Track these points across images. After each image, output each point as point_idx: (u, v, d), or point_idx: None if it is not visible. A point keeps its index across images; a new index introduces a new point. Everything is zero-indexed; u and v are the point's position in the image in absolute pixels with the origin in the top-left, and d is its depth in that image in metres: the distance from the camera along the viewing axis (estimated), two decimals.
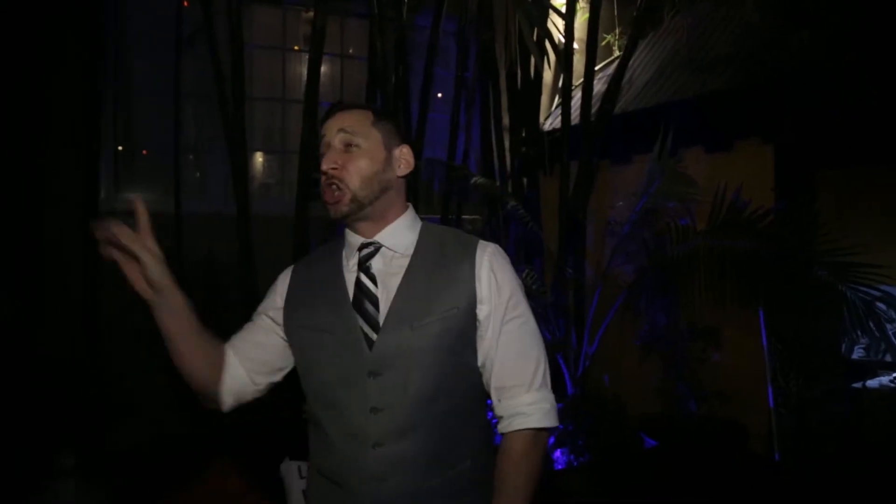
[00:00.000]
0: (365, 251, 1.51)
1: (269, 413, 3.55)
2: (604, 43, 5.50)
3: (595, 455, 3.84)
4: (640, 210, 3.97)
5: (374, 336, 1.44)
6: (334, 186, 1.46)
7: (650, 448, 4.10)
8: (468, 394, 1.52)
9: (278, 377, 1.63)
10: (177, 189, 4.27)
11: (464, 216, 5.08)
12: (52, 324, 3.83)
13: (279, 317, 1.58)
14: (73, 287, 3.88)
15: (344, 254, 1.56)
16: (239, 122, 4.00)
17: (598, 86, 4.82)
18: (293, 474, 2.85)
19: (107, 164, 4.27)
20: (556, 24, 4.57)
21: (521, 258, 4.49)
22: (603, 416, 4.01)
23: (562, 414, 3.95)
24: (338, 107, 1.54)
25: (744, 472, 3.79)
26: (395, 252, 1.51)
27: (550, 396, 1.51)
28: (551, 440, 3.88)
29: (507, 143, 4.92)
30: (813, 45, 3.67)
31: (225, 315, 4.01)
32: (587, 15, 4.48)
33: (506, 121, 4.96)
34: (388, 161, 1.51)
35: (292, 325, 1.55)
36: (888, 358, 4.21)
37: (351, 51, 5.36)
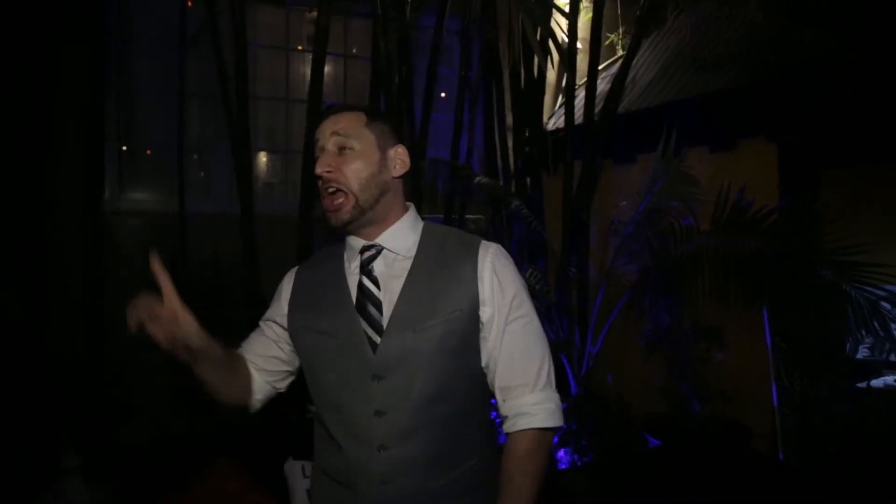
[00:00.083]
0: (367, 254, 1.52)
1: (272, 413, 3.55)
2: (607, 42, 5.49)
3: (598, 455, 3.84)
4: (643, 210, 3.96)
5: (377, 339, 1.45)
6: (334, 191, 1.46)
7: (654, 448, 4.10)
8: (471, 395, 1.52)
9: (297, 374, 1.68)
10: (181, 189, 4.27)
11: (467, 216, 5.08)
12: (54, 324, 3.83)
13: (286, 322, 1.59)
14: (75, 287, 3.89)
15: (346, 256, 1.56)
16: (243, 122, 4.00)
17: (602, 85, 4.82)
18: (296, 474, 2.85)
19: (110, 163, 4.27)
20: (559, 24, 4.57)
21: (525, 258, 4.48)
22: (606, 415, 4.01)
23: (565, 414, 3.93)
24: (330, 110, 1.54)
25: (748, 472, 3.78)
26: (397, 254, 1.51)
27: (555, 396, 1.51)
28: (555, 440, 3.88)
29: (510, 143, 4.92)
30: (817, 44, 3.67)
31: (229, 315, 4.05)
32: (590, 14, 4.47)
33: (509, 120, 4.96)
34: (383, 162, 1.50)
35: (296, 327, 1.56)
36: (893, 358, 4.20)
37: (354, 50, 5.36)
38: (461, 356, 1.47)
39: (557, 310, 4.10)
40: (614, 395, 4.21)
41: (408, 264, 1.50)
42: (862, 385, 4.02)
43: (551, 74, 5.53)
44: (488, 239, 1.59)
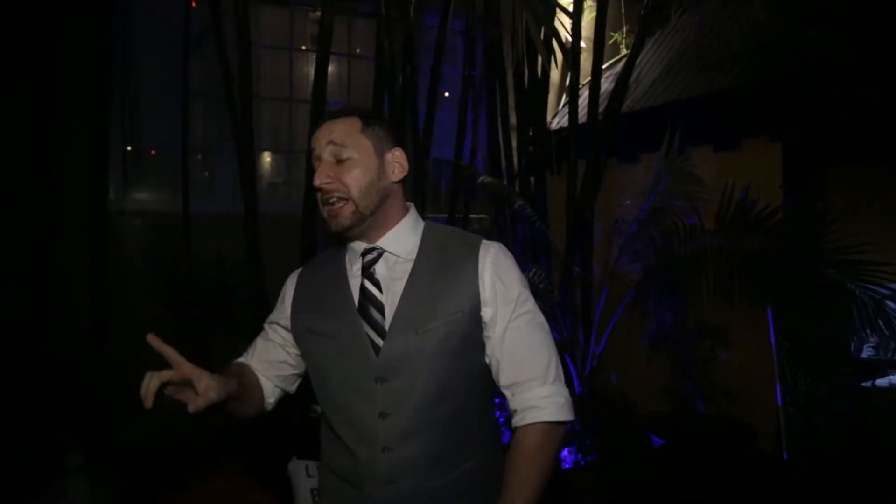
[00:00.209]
0: (368, 257, 1.52)
1: (275, 413, 3.56)
2: (611, 41, 5.49)
3: (602, 454, 3.84)
4: (647, 209, 3.96)
5: (379, 342, 1.45)
6: (333, 199, 1.45)
7: (658, 447, 4.10)
8: (473, 395, 1.52)
9: (305, 375, 1.68)
10: (185, 189, 4.29)
11: (471, 215, 5.09)
12: (58, 323, 3.84)
13: (290, 325, 1.60)
14: (79, 287, 3.90)
15: (347, 258, 1.56)
16: (247, 122, 4.01)
17: (606, 84, 4.81)
18: (300, 473, 2.86)
19: (115, 164, 4.29)
20: (563, 23, 4.57)
21: (529, 257, 4.48)
22: (610, 415, 4.01)
23: None
24: (324, 117, 1.52)
25: (752, 471, 3.78)
26: (398, 256, 1.51)
27: (565, 390, 1.49)
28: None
29: (514, 142, 4.91)
30: (820, 43, 3.66)
31: (233, 314, 4.05)
32: (594, 13, 4.47)
33: (513, 119, 4.95)
34: (382, 168, 1.49)
35: (299, 330, 1.56)
36: None
37: (358, 50, 5.37)
38: (463, 357, 1.47)
39: (561, 309, 4.10)
40: (618, 394, 4.21)
41: (409, 266, 1.50)
42: (867, 384, 4.02)
43: (555, 74, 5.53)
44: (492, 238, 1.58)
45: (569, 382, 4.16)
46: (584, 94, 4.68)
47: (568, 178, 4.35)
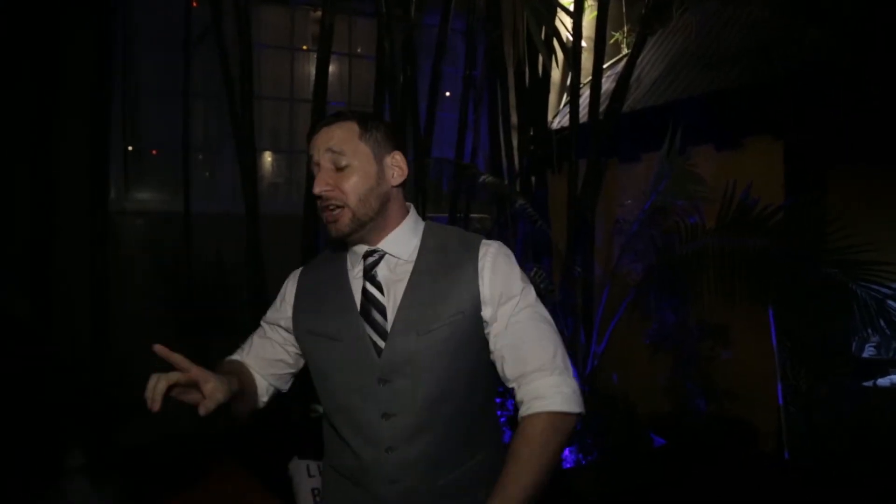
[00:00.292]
0: (369, 259, 1.52)
1: (276, 413, 3.56)
2: (612, 41, 5.48)
3: (604, 454, 3.84)
4: (648, 208, 3.95)
5: (381, 344, 1.45)
6: (332, 206, 1.45)
7: (659, 447, 4.10)
8: (475, 394, 1.52)
9: (298, 374, 1.68)
10: (186, 189, 4.29)
11: (472, 215, 5.08)
12: (59, 323, 3.84)
13: (291, 326, 1.59)
14: (80, 286, 3.90)
15: (348, 260, 1.56)
16: (247, 122, 4.01)
17: (607, 84, 4.81)
18: (301, 473, 2.85)
19: (115, 163, 4.29)
20: (563, 22, 4.56)
21: (530, 257, 4.48)
22: (612, 414, 4.00)
23: None
24: (321, 123, 1.50)
25: (753, 471, 3.78)
26: (400, 259, 1.51)
27: (572, 382, 1.44)
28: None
29: (515, 142, 4.91)
30: (822, 43, 3.65)
31: (234, 314, 4.05)
32: (595, 13, 4.47)
33: (514, 119, 4.95)
34: (381, 173, 1.48)
35: (301, 331, 1.56)
36: None
37: (359, 50, 5.36)
38: (465, 357, 1.47)
39: (562, 309, 4.10)
40: (619, 393, 4.20)
41: (410, 267, 1.50)
42: (868, 384, 4.01)
43: (556, 73, 5.53)
44: (493, 238, 1.58)
45: None
46: (585, 94, 4.67)
47: (569, 177, 4.34)
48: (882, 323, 3.26)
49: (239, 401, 1.48)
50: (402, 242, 1.52)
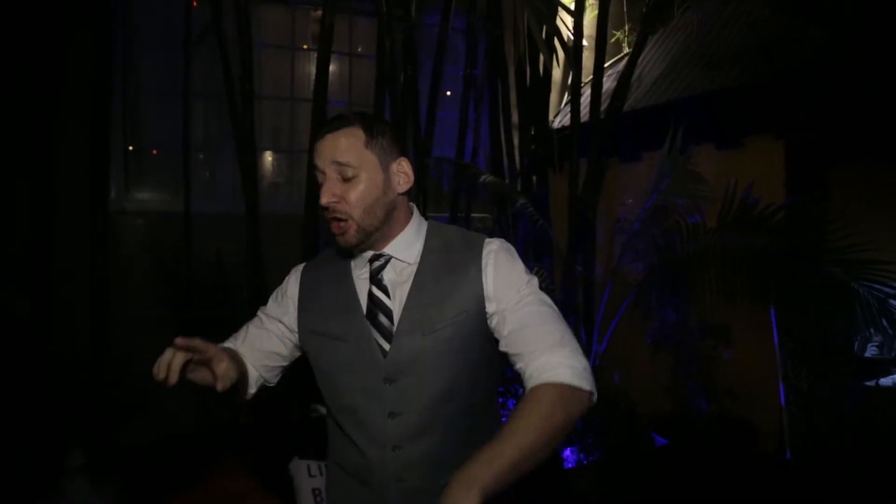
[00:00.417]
0: (376, 264, 1.52)
1: (277, 413, 3.55)
2: (613, 39, 5.47)
3: (605, 453, 3.83)
4: (649, 207, 3.95)
5: (386, 346, 1.46)
6: (338, 217, 1.44)
7: (660, 446, 4.09)
8: (479, 392, 1.53)
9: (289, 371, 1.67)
10: (186, 188, 4.29)
11: (473, 214, 5.08)
12: (59, 323, 3.84)
13: (293, 324, 1.59)
14: (80, 286, 3.90)
15: (353, 261, 1.56)
16: (248, 122, 4.01)
17: (608, 83, 4.80)
18: (302, 473, 2.85)
19: (116, 163, 4.28)
20: (564, 21, 4.55)
21: (531, 256, 4.47)
22: (613, 414, 3.99)
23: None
24: (326, 128, 1.47)
25: (754, 471, 3.77)
26: (406, 262, 1.51)
27: (582, 359, 1.38)
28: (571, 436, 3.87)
29: (516, 141, 4.91)
30: (824, 42, 3.64)
31: (234, 314, 4.04)
32: (596, 11, 4.46)
33: (515, 118, 4.95)
34: (387, 181, 1.47)
35: (305, 330, 1.56)
36: None
37: (360, 49, 5.36)
38: (469, 355, 1.47)
39: (563, 308, 4.08)
40: (621, 393, 4.19)
41: (414, 269, 1.51)
42: (870, 383, 4.00)
43: (557, 72, 5.52)
44: (494, 237, 1.58)
45: None
46: (586, 93, 4.67)
47: (570, 176, 4.33)
48: (884, 322, 3.26)
49: (238, 388, 1.50)
50: (407, 246, 1.52)
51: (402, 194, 1.51)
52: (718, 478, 3.66)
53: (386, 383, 1.45)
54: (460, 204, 4.83)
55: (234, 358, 1.49)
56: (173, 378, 1.27)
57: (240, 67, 3.97)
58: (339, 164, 1.42)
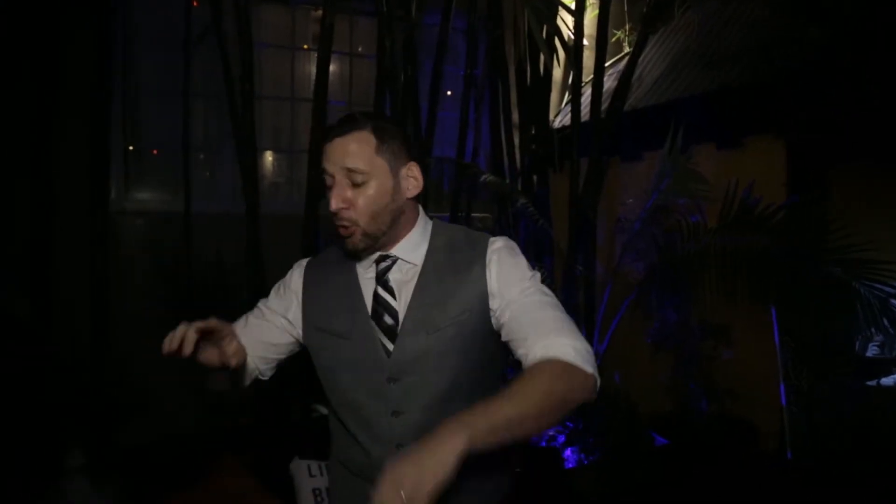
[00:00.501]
0: (382, 265, 1.52)
1: (278, 413, 3.55)
2: (613, 39, 5.47)
3: (605, 453, 3.83)
4: (650, 207, 3.95)
5: (390, 346, 1.46)
6: (346, 223, 1.44)
7: (661, 446, 4.09)
8: (483, 391, 1.52)
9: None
10: (186, 188, 4.28)
11: (473, 214, 5.08)
12: (59, 323, 3.84)
13: (296, 318, 1.58)
14: (80, 286, 3.90)
15: (359, 261, 1.56)
16: (248, 122, 4.00)
17: (608, 82, 4.80)
18: (303, 473, 2.85)
19: (116, 163, 4.27)
20: (565, 21, 4.55)
21: (531, 256, 4.47)
22: (613, 414, 3.99)
23: (572, 411, 3.94)
24: (335, 131, 1.45)
25: (755, 471, 3.77)
26: (411, 263, 1.51)
27: (585, 343, 1.36)
28: (561, 438, 3.87)
29: (516, 141, 4.90)
30: (823, 41, 3.64)
31: (234, 314, 4.04)
32: (597, 11, 4.46)
33: (515, 118, 4.94)
34: (397, 187, 1.46)
35: (309, 327, 1.56)
36: None
37: (360, 49, 5.36)
38: (472, 354, 1.48)
39: (564, 308, 4.08)
40: (621, 393, 4.19)
41: (418, 269, 1.51)
42: (871, 383, 4.00)
43: (557, 72, 5.51)
44: (498, 236, 1.59)
45: None
46: (587, 92, 4.67)
47: (570, 176, 4.33)
48: (885, 322, 3.26)
49: (238, 374, 1.50)
50: (414, 247, 1.52)
51: (411, 199, 1.51)
52: (718, 478, 3.66)
53: (390, 382, 1.46)
54: (461, 204, 4.83)
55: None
56: (188, 349, 1.26)
57: (240, 67, 3.96)
58: (349, 170, 1.41)
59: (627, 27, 5.60)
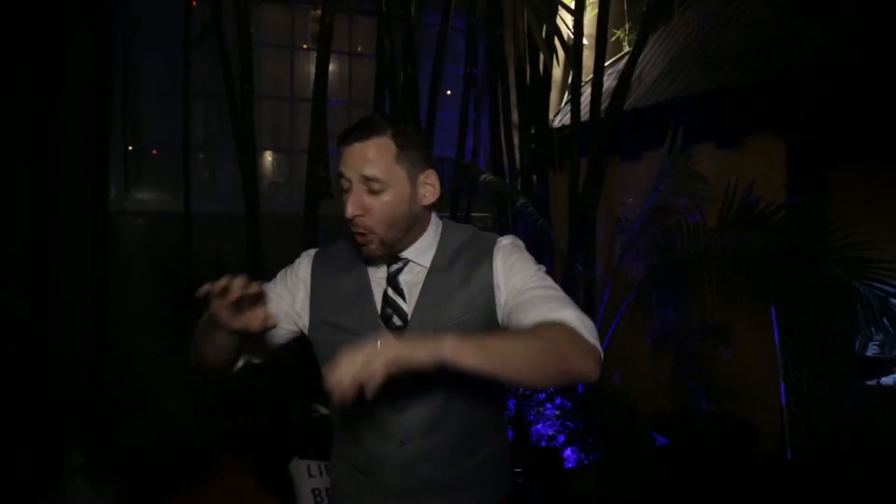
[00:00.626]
0: (394, 267, 1.52)
1: (278, 413, 3.55)
2: (613, 38, 5.47)
3: (605, 453, 3.83)
4: (650, 207, 3.95)
5: None
6: (362, 231, 1.43)
7: (661, 446, 4.09)
8: (486, 390, 1.54)
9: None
10: (186, 188, 4.28)
11: (473, 214, 5.07)
12: (59, 323, 3.84)
13: (302, 307, 1.58)
14: (80, 286, 3.90)
15: (370, 261, 1.56)
16: (247, 121, 4.00)
17: (608, 82, 4.79)
18: (302, 473, 2.85)
19: (115, 163, 4.28)
20: (564, 20, 4.55)
21: (531, 255, 4.46)
22: (613, 413, 3.99)
23: (572, 411, 3.95)
24: (355, 135, 1.43)
25: (755, 471, 3.77)
26: (421, 266, 1.52)
27: (592, 322, 1.36)
28: (561, 438, 3.87)
29: (516, 140, 4.90)
30: (823, 41, 3.64)
31: None
32: (596, 10, 4.45)
33: (515, 117, 4.94)
34: (414, 195, 1.46)
35: (317, 321, 1.56)
36: None
37: (359, 49, 5.35)
38: None
39: None
40: (621, 393, 4.19)
41: (427, 268, 1.52)
42: (871, 383, 3.99)
43: (557, 71, 5.52)
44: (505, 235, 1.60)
45: None
46: (587, 92, 4.66)
47: (570, 176, 4.33)
48: (885, 321, 3.26)
49: (235, 347, 1.49)
50: (426, 249, 1.53)
51: (427, 207, 1.51)
52: (718, 478, 3.66)
53: (396, 379, 1.46)
54: (460, 203, 4.83)
55: None
56: (235, 293, 1.30)
57: (239, 67, 3.96)
58: (367, 177, 1.40)
59: (627, 26, 5.59)
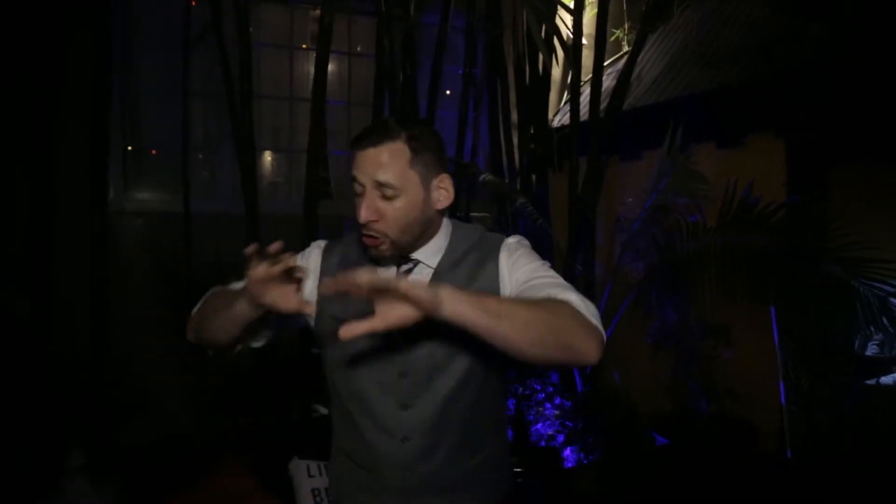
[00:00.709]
0: (404, 268, 1.52)
1: (278, 413, 3.55)
2: (612, 38, 5.47)
3: (605, 453, 3.83)
4: (649, 206, 3.94)
5: (403, 341, 1.46)
6: (374, 234, 1.43)
7: (660, 446, 4.09)
8: (488, 390, 1.56)
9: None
10: (185, 188, 4.28)
11: (472, 213, 5.08)
12: (58, 323, 3.84)
13: (311, 298, 1.56)
14: (80, 286, 3.90)
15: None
16: (247, 121, 4.00)
17: (607, 81, 4.79)
18: (302, 473, 2.85)
19: (115, 163, 4.28)
20: (564, 20, 4.55)
21: None
22: (613, 413, 3.99)
23: (572, 411, 3.95)
24: (369, 139, 1.42)
25: (755, 471, 3.76)
26: (430, 267, 1.52)
27: (594, 306, 1.35)
28: (561, 437, 3.87)
29: (515, 140, 4.90)
30: (823, 40, 3.64)
31: None
32: (595, 10, 4.45)
33: (514, 117, 4.94)
34: (427, 200, 1.46)
35: (323, 314, 1.56)
36: None
37: (359, 48, 5.35)
38: (481, 352, 1.47)
39: None
40: (621, 393, 4.19)
41: (434, 268, 1.53)
42: (871, 382, 3.99)
43: (556, 71, 5.51)
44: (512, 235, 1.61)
45: (572, 381, 4.15)
46: (586, 92, 4.66)
47: (570, 175, 4.32)
48: (885, 321, 3.26)
49: (249, 325, 1.49)
50: (436, 251, 1.53)
51: (440, 211, 1.51)
52: (718, 478, 3.66)
53: (400, 377, 1.48)
54: (460, 203, 4.83)
55: None
56: (285, 265, 1.29)
57: (239, 67, 3.96)
58: (380, 183, 1.39)
59: (626, 26, 5.59)
